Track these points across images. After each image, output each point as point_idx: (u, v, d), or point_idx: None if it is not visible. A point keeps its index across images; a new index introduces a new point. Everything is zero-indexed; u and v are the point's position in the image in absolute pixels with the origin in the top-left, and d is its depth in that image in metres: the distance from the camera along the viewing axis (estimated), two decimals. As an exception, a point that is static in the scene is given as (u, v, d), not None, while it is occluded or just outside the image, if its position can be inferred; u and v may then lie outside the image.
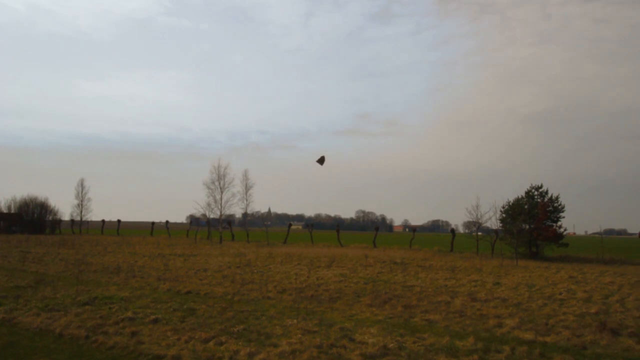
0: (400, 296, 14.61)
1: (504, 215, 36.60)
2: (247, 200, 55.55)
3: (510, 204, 36.85)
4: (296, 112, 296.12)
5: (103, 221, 68.49)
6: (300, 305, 12.78)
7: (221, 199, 54.09)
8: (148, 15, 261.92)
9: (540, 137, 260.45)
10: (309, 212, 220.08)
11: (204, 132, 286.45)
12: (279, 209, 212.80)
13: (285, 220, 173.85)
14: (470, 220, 41.72)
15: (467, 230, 52.94)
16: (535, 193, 36.81)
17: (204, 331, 9.42)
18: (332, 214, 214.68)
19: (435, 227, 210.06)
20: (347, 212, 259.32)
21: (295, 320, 10.63)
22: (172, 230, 65.99)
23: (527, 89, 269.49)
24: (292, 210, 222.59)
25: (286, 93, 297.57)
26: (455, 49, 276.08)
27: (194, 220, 73.93)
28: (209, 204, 54.02)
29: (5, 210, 66.81)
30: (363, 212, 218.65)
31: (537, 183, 37.40)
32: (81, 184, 70.75)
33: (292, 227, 65.85)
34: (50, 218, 68.01)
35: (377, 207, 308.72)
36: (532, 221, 34.98)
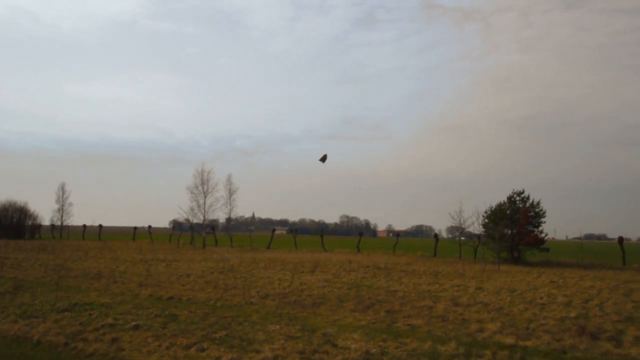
0: (383, 301, 14.64)
1: (486, 220, 36.92)
2: (230, 205, 55.23)
3: (493, 209, 37.18)
4: (281, 117, 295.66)
5: (84, 226, 67.52)
6: (284, 310, 12.74)
7: (204, 203, 53.74)
8: (132, 19, 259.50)
9: (522, 142, 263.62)
10: (293, 217, 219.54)
11: (188, 136, 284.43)
12: (263, 213, 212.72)
13: (269, 225, 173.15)
14: (454, 225, 42.04)
15: (450, 236, 53.27)
16: (517, 198, 37.18)
17: (186, 337, 9.35)
18: (316, 219, 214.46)
19: (419, 232, 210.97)
20: (331, 217, 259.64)
21: (278, 326, 10.59)
22: (154, 235, 65.28)
23: (509, 95, 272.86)
24: (276, 215, 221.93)
25: (271, 97, 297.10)
26: (439, 55, 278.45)
27: (177, 225, 73.36)
28: (192, 209, 53.64)
29: (-18, 216, 65.49)
30: (347, 217, 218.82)
31: (518, 188, 37.81)
32: (62, 188, 69.70)
33: (276, 232, 65.60)
34: (30, 223, 66.80)
35: (361, 212, 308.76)
36: (514, 226, 35.33)
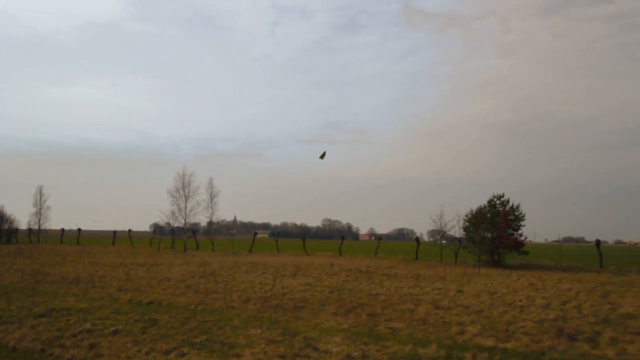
0: (365, 305, 14.67)
1: (467, 223, 37.26)
2: (212, 209, 55.19)
3: (473, 212, 37.53)
4: (263, 121, 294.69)
5: (62, 230, 66.52)
6: (265, 314, 12.69)
7: (185, 207, 53.58)
8: (113, 21, 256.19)
9: (502, 147, 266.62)
10: (275, 221, 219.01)
11: (169, 139, 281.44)
12: (244, 217, 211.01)
13: (251, 228, 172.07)
14: (435, 228, 42.41)
15: (431, 239, 53.66)
16: (497, 202, 37.59)
17: (166, 342, 9.25)
18: (299, 223, 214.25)
19: (401, 236, 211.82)
20: (314, 220, 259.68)
21: (259, 330, 10.54)
22: (135, 239, 64.53)
23: (489, 100, 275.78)
24: (258, 219, 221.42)
25: (253, 101, 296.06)
26: (421, 60, 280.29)
27: (157, 228, 72.72)
28: (173, 213, 53.42)
29: (-43, 219, 64.15)
30: (329, 220, 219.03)
31: (499, 192, 38.27)
32: (40, 192, 68.72)
33: (258, 235, 65.40)
34: (6, 227, 65.55)
35: (344, 216, 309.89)
36: (494, 229, 35.69)
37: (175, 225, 54.89)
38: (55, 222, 71.62)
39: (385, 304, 14.83)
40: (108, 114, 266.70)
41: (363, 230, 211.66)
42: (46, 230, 68.90)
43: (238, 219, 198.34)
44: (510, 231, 36.03)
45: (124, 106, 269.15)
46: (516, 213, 36.66)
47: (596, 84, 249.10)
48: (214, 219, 59.12)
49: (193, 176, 55.16)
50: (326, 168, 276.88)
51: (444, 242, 41.75)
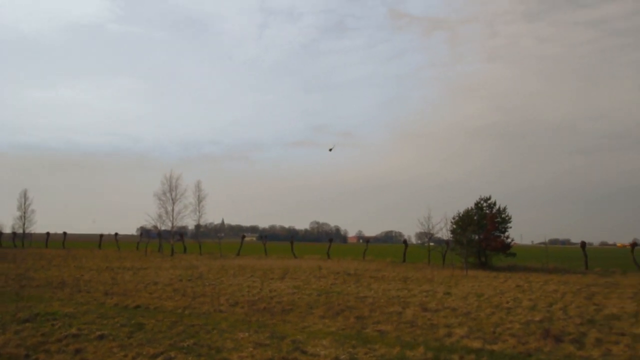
0: (353, 307, 14.67)
1: (454, 226, 37.44)
2: (199, 212, 54.72)
3: (460, 215, 37.73)
4: (250, 123, 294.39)
5: (47, 234, 65.69)
6: (253, 318, 12.64)
7: (173, 210, 53.09)
8: (98, 22, 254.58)
9: (488, 150, 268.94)
10: (263, 224, 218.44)
11: (156, 142, 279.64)
12: (232, 220, 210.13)
13: (239, 231, 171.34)
14: (422, 231, 42.58)
15: (419, 241, 53.86)
16: (484, 204, 37.85)
17: (152, 347, 9.16)
18: (287, 225, 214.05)
19: (389, 238, 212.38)
20: (302, 223, 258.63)
21: (247, 334, 10.49)
22: (121, 243, 64.00)
23: (475, 103, 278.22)
24: (246, 222, 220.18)
25: (240, 104, 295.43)
26: (407, 63, 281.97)
27: (144, 232, 72.05)
28: (160, 216, 52.90)
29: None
30: (317, 223, 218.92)
31: (485, 195, 38.53)
32: (24, 195, 67.63)
33: (246, 238, 65.23)
34: (-10, 231, 64.72)
35: (332, 219, 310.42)
36: (481, 232, 35.93)
37: (163, 228, 54.48)
38: (40, 226, 70.24)
39: (373, 307, 14.85)
40: (93, 117, 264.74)
41: (351, 233, 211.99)
42: (31, 234, 67.89)
43: (226, 222, 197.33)
44: (497, 233, 36.32)
45: (110, 109, 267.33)
46: (503, 215, 36.96)
47: (581, 88, 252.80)
48: (202, 222, 58.85)
49: (180, 179, 54.77)
50: (314, 171, 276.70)
51: (431, 244, 41.92)
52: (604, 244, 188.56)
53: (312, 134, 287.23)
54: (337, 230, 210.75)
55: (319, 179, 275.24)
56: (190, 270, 28.75)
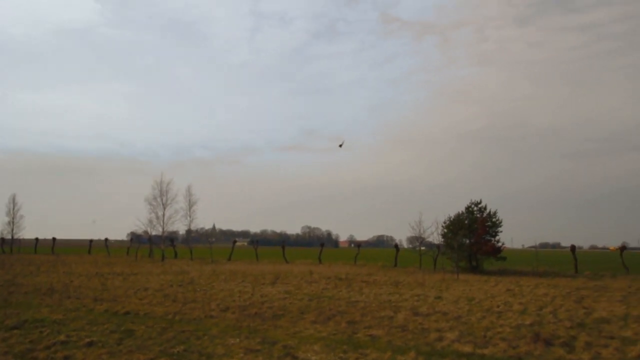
0: (344, 312, 14.65)
1: (445, 230, 37.58)
2: (190, 217, 54.49)
3: (451, 219, 37.86)
4: (241, 128, 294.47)
5: (36, 239, 65.17)
6: (244, 323, 12.58)
7: (164, 215, 52.83)
8: (88, 26, 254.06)
9: (478, 154, 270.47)
10: (255, 229, 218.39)
11: (146, 146, 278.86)
12: (223, 225, 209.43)
13: (230, 236, 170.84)
14: (414, 235, 42.65)
15: (410, 246, 53.90)
16: (475, 208, 37.99)
17: (142, 353, 9.09)
18: (278, 230, 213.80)
19: (380, 243, 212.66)
20: (293, 228, 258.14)
21: (237, 339, 10.44)
22: (111, 248, 63.56)
23: (465, 107, 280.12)
24: (237, 227, 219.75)
25: (231, 108, 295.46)
26: (398, 67, 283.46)
27: (135, 237, 71.59)
28: (150, 221, 52.61)
29: None
30: (309, 227, 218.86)
31: (476, 199, 38.69)
32: (13, 200, 66.97)
33: (237, 243, 65.03)
34: (-23, 237, 63.95)
35: (323, 223, 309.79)
36: (471, 236, 36.05)
37: (153, 233, 54.16)
38: (29, 231, 69.57)
39: (365, 311, 14.84)
40: (83, 121, 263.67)
41: (343, 238, 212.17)
42: (19, 240, 67.15)
43: (217, 226, 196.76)
44: (487, 237, 36.44)
45: (100, 113, 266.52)
46: (493, 219, 37.10)
47: (571, 92, 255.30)
48: (193, 227, 58.50)
49: (171, 184, 54.52)
50: (305, 176, 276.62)
51: (422, 248, 42.00)
52: (593, 247, 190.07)
53: (303, 138, 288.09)
54: (329, 234, 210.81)
55: (311, 183, 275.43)
56: (181, 275, 28.60)
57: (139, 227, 54.89)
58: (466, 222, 36.85)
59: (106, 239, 66.41)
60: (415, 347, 9.99)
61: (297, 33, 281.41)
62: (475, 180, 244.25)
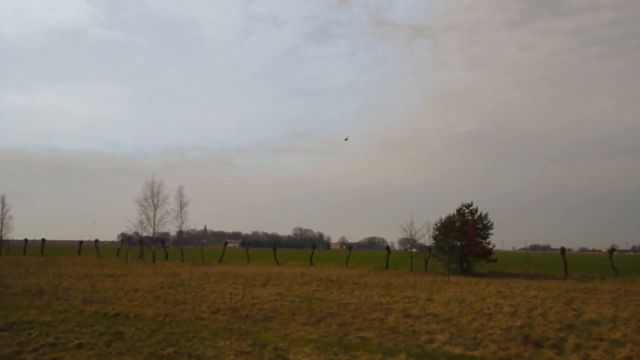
0: (335, 314, 14.65)
1: (436, 232, 37.69)
2: (181, 218, 54.26)
3: (443, 221, 37.99)
4: (233, 129, 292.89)
5: (25, 240, 64.54)
6: (234, 325, 12.54)
7: (154, 216, 52.69)
8: (78, 27, 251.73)
9: (469, 157, 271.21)
10: (246, 230, 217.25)
11: (137, 147, 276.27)
12: (215, 226, 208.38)
13: (221, 238, 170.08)
14: (405, 237, 42.73)
15: (402, 248, 54.06)
16: (466, 211, 38.14)
17: (132, 355, 9.04)
18: (270, 232, 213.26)
19: (372, 245, 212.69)
20: (285, 229, 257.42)
21: (228, 341, 10.40)
22: (102, 250, 63.15)
23: (456, 110, 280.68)
24: (228, 228, 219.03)
25: (223, 109, 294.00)
26: (389, 71, 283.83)
27: (125, 238, 71.30)
28: (141, 222, 52.43)
29: None
30: (300, 229, 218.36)
31: (467, 201, 38.83)
32: (2, 201, 66.37)
33: (229, 245, 64.85)
34: (-34, 238, 63.29)
35: (315, 225, 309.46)
36: (463, 238, 36.18)
37: (144, 235, 53.97)
38: (18, 232, 68.89)
39: (356, 313, 14.84)
40: (74, 122, 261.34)
41: (334, 239, 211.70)
42: (8, 241, 66.52)
43: (208, 228, 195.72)
44: (478, 239, 36.58)
45: (91, 114, 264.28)
46: (484, 222, 37.27)
47: (560, 96, 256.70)
48: (184, 229, 58.27)
49: (162, 185, 54.35)
50: (297, 177, 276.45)
51: (414, 250, 42.10)
52: (583, 249, 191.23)
53: (295, 140, 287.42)
54: (321, 236, 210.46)
55: (303, 185, 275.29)
56: (172, 277, 28.48)
57: (129, 228, 54.79)
58: (457, 224, 36.99)
59: (96, 240, 65.96)
60: (406, 349, 10.00)
61: (289, 35, 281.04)
62: (466, 182, 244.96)
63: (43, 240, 64.50)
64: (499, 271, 37.49)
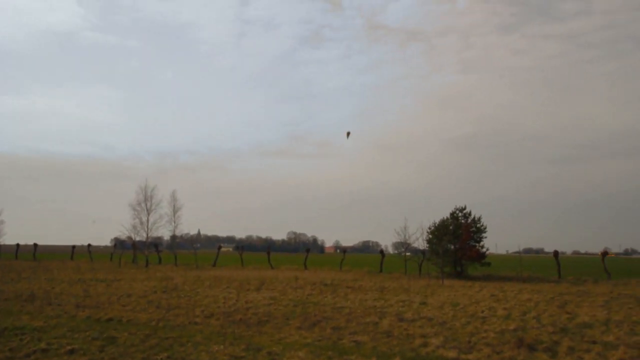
0: (329, 318, 14.62)
1: (430, 236, 37.71)
2: (175, 222, 53.98)
3: (436, 224, 38.02)
4: (227, 133, 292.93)
5: (17, 245, 64.07)
6: (228, 330, 12.49)
7: (148, 220, 52.29)
8: (71, 30, 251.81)
9: (463, 160, 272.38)
10: (240, 234, 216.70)
11: (130, 151, 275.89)
12: (209, 230, 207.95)
13: (215, 242, 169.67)
14: (399, 241, 42.78)
15: (396, 251, 54.06)
16: (460, 214, 38.20)
17: (124, 361, 8.98)
18: (264, 236, 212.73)
19: (366, 248, 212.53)
20: (279, 233, 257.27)
21: (222, 346, 10.36)
22: (94, 254, 62.74)
23: (450, 114, 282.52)
24: (222, 232, 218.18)
25: (217, 113, 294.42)
26: (384, 74, 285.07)
27: (118, 243, 70.78)
28: (134, 226, 52.03)
29: None
30: (294, 233, 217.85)
31: (461, 204, 38.91)
32: (-8, 206, 65.95)
33: (222, 249, 64.62)
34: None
35: (309, 229, 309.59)
36: (456, 241, 36.22)
37: (137, 239, 53.58)
38: (10, 237, 68.38)
39: (350, 317, 14.82)
40: (67, 125, 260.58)
41: (328, 243, 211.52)
42: (0, 246, 66.11)
43: (202, 232, 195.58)
44: (472, 243, 36.64)
45: (84, 117, 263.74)
46: (478, 225, 37.34)
47: (553, 99, 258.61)
48: (177, 233, 58.04)
49: (156, 189, 54.04)
50: (291, 181, 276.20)
51: (408, 254, 42.11)
52: (576, 253, 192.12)
53: (290, 144, 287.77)
54: (315, 240, 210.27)
55: (297, 189, 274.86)
56: (165, 281, 28.34)
57: (122, 232, 54.34)
58: (451, 227, 37.04)
59: (89, 245, 65.55)
60: (400, 352, 9.99)
61: (283, 39, 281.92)
62: (460, 186, 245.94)
63: (35, 245, 64.02)
64: (493, 275, 37.57)
